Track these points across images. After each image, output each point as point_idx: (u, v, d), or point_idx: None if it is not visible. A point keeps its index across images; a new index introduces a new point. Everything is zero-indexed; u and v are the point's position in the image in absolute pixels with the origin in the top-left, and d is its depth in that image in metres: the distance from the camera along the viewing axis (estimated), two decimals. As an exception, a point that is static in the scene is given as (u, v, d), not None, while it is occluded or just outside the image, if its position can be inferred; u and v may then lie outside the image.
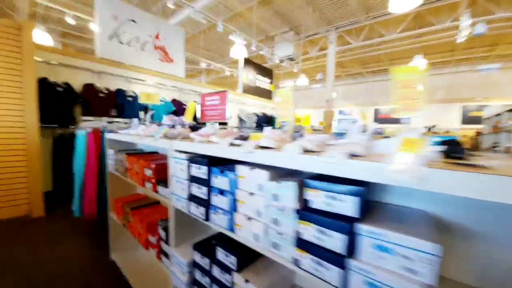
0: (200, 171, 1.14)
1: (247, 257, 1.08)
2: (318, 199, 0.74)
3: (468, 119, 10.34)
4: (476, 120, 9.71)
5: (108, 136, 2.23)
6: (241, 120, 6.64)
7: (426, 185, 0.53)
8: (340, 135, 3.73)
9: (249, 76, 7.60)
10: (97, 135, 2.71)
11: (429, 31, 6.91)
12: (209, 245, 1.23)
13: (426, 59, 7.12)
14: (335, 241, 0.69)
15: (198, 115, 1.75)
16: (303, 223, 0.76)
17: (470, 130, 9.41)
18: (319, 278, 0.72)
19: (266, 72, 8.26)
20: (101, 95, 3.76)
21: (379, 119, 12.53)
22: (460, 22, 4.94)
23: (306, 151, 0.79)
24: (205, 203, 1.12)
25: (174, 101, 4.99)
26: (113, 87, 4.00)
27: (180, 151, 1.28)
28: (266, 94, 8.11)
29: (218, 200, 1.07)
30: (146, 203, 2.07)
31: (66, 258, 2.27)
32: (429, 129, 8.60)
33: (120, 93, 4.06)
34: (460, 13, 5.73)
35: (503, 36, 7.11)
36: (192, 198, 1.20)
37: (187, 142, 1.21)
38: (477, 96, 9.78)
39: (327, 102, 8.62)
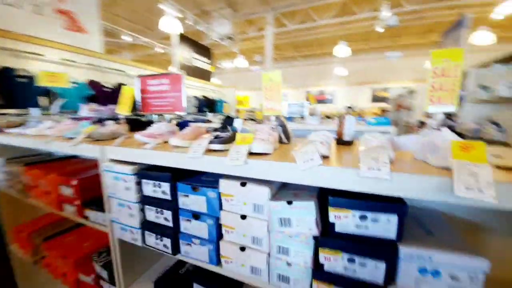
0: (160, 189, 0.81)
1: (235, 288, 0.86)
2: (346, 220, 0.57)
3: (376, 99, 12.33)
4: (382, 99, 11.70)
5: (-14, 138, 1.48)
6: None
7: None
8: (290, 119, 3.71)
9: (186, 55, 6.79)
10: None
11: (352, 19, 7.64)
12: (178, 280, 0.95)
13: (348, 46, 7.92)
14: (371, 270, 0.55)
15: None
16: (327, 252, 0.59)
17: (378, 108, 11.36)
18: (348, 314, 0.58)
19: (205, 51, 7.57)
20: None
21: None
22: (381, 12, 5.57)
23: (324, 157, 0.60)
24: (171, 232, 0.81)
25: (92, 83, 3.94)
26: (-5, 64, 2.78)
27: (121, 161, 0.89)
28: (206, 75, 7.49)
29: (191, 227, 0.78)
30: (66, 227, 1.52)
31: None
32: (351, 108, 9.89)
33: (6, 72, 2.86)
34: (378, 5, 6.49)
35: (406, 28, 8.54)
36: (149, 226, 0.86)
37: (131, 149, 0.84)
38: (382, 80, 11.75)
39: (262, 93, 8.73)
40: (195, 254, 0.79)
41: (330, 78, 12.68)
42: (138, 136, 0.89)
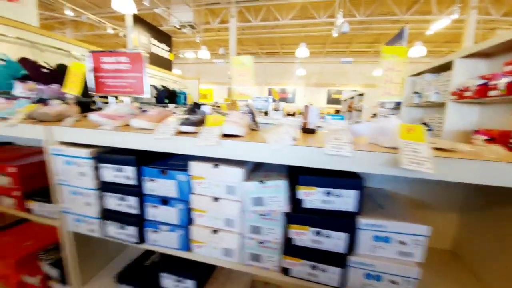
0: (122, 174, 0.75)
1: (203, 274, 0.86)
2: (313, 197, 0.62)
3: (331, 100, 13.34)
4: (336, 101, 12.73)
5: None
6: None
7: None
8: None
9: (142, 39, 6.24)
10: None
11: (310, 23, 8.09)
12: (143, 272, 0.89)
13: (308, 48, 8.38)
14: (335, 241, 0.62)
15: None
16: (296, 228, 0.63)
17: (332, 108, 12.35)
18: (314, 282, 0.64)
19: (164, 37, 7.06)
20: None
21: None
22: (336, 19, 6.03)
23: (293, 139, 0.64)
24: (136, 220, 0.76)
25: (24, 62, 3.31)
26: None
27: (73, 144, 0.79)
28: (165, 63, 7.00)
29: (159, 213, 0.75)
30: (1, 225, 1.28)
31: None
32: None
33: None
34: (334, 11, 7.01)
35: (357, 36, 9.42)
36: (109, 215, 0.79)
37: (88, 130, 0.75)
38: (336, 82, 12.78)
39: (231, 79, 8.64)
40: (164, 242, 0.76)
41: (290, 77, 13.21)
42: (94, 116, 0.80)
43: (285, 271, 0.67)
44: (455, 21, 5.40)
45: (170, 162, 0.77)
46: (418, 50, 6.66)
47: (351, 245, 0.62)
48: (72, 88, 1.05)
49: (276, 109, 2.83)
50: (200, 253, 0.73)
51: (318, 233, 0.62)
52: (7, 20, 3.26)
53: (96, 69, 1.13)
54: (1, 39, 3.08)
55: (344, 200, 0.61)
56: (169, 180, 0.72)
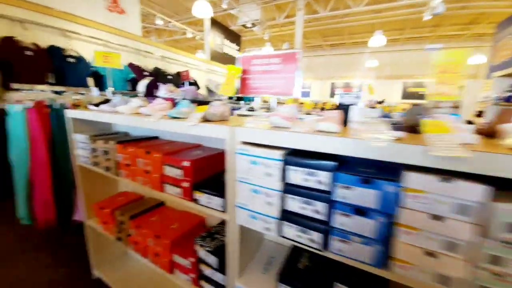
0: (314, 178, 0.73)
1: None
2: None
3: (407, 95, 11.65)
4: (413, 96, 11.04)
5: (71, 114, 1.47)
6: (210, 91, 5.90)
7: None
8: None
9: (216, 41, 6.66)
10: (43, 112, 1.82)
11: (389, 7, 7.11)
12: (300, 274, 0.89)
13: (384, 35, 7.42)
14: None
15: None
16: None
17: (409, 104, 10.73)
18: None
19: (234, 37, 7.38)
20: (28, 53, 2.57)
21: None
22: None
23: None
24: (323, 227, 0.74)
25: (131, 66, 3.94)
26: (44, 43, 2.79)
27: (255, 145, 0.81)
28: (234, 62, 7.34)
29: (349, 223, 0.70)
30: (146, 207, 1.51)
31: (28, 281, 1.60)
32: (380, 103, 9.47)
33: (55, 52, 2.86)
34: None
35: (448, 17, 7.88)
36: (290, 217, 0.79)
37: (279, 132, 0.75)
38: (416, 74, 11.03)
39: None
40: (352, 254, 0.71)
41: (358, 69, 12.07)
42: (276, 118, 0.80)
43: (542, 319, 0.52)
44: None
45: (360, 169, 0.71)
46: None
47: None
48: (228, 90, 1.11)
49: (372, 107, 2.56)
50: (404, 275, 0.65)
51: None
52: (119, 31, 3.89)
53: (244, 72, 1.17)
54: (113, 47, 3.66)
55: None
56: (371, 190, 0.65)
